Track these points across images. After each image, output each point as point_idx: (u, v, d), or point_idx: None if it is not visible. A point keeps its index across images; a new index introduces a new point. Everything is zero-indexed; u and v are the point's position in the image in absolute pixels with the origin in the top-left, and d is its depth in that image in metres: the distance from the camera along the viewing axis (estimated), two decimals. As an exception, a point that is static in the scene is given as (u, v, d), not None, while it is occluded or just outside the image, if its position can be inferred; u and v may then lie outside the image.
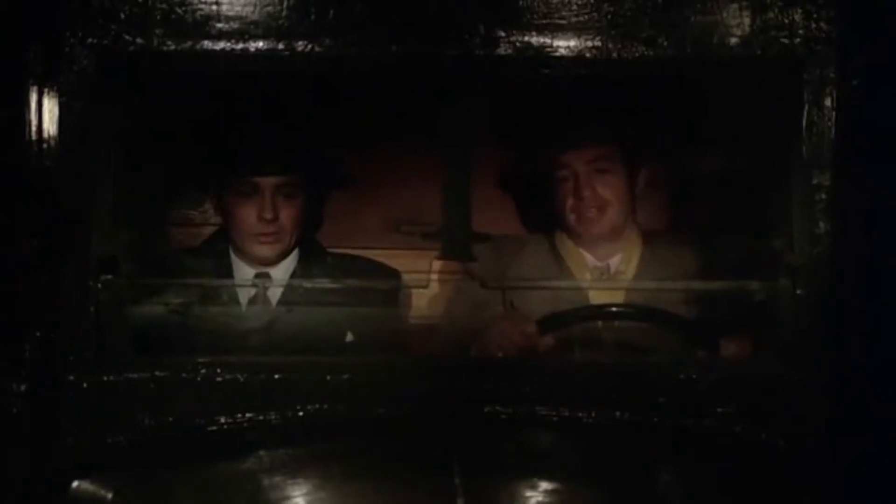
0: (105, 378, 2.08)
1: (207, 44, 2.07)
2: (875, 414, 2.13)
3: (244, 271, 2.73)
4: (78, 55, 2.04)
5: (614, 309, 2.56)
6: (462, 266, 2.61)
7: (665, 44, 2.10)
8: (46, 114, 2.05)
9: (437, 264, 2.84)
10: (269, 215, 2.63)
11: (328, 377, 2.11)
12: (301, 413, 2.10)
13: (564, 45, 2.10)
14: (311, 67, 2.12)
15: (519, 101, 2.63)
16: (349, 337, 2.64)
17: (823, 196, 2.13)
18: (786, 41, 2.11)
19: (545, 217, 2.88)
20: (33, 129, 2.05)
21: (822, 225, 2.13)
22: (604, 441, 2.13)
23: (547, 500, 1.99)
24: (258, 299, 2.69)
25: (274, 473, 2.03)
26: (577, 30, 2.10)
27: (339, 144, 3.02)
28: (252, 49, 2.08)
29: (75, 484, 2.02)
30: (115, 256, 2.14)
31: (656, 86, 2.45)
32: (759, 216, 2.35)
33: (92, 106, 2.06)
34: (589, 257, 2.78)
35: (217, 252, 2.76)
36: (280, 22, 2.07)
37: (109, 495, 2.01)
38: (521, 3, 2.10)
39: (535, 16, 2.10)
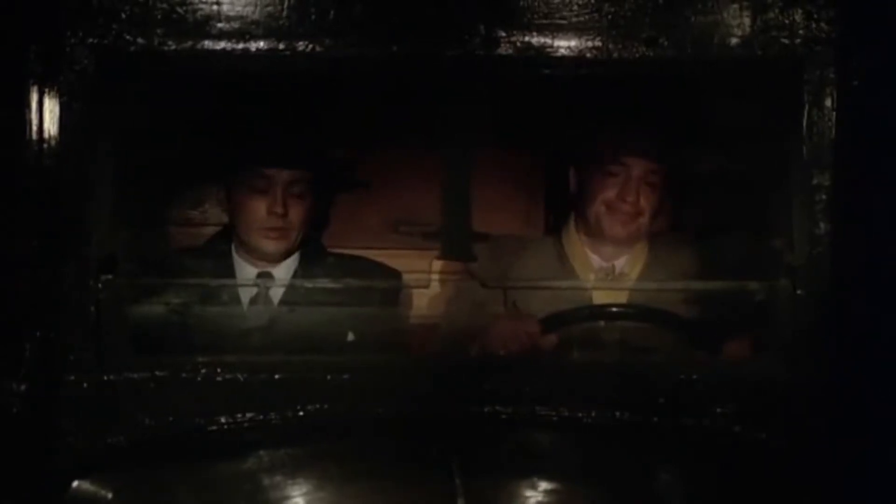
0: (105, 378, 2.08)
1: (208, 44, 2.07)
2: (875, 414, 2.13)
3: (246, 271, 2.74)
4: (78, 55, 2.04)
5: (615, 309, 2.57)
6: (462, 266, 2.62)
7: (665, 44, 2.10)
8: (46, 114, 2.05)
9: (437, 264, 2.86)
10: (279, 210, 2.64)
11: (328, 377, 2.11)
12: (301, 413, 2.10)
13: (565, 45, 2.10)
14: (311, 67, 2.12)
15: (518, 102, 2.63)
16: (350, 337, 2.65)
17: (823, 196, 2.13)
18: (786, 41, 2.11)
19: (556, 215, 2.87)
20: (33, 129, 2.05)
21: (822, 225, 2.13)
22: (604, 441, 2.13)
23: (547, 500, 1.99)
24: (260, 299, 2.70)
25: (274, 473, 2.03)
26: (577, 30, 2.10)
27: (340, 144, 3.03)
28: (253, 49, 2.08)
29: (75, 484, 2.01)
30: (114, 256, 2.14)
31: (656, 86, 2.45)
32: (759, 216, 2.35)
33: (92, 106, 2.06)
34: (594, 258, 2.78)
35: (218, 252, 2.77)
36: (280, 22, 2.08)
37: (109, 495, 2.01)
38: (521, 3, 2.10)
39: (536, 16, 2.10)
